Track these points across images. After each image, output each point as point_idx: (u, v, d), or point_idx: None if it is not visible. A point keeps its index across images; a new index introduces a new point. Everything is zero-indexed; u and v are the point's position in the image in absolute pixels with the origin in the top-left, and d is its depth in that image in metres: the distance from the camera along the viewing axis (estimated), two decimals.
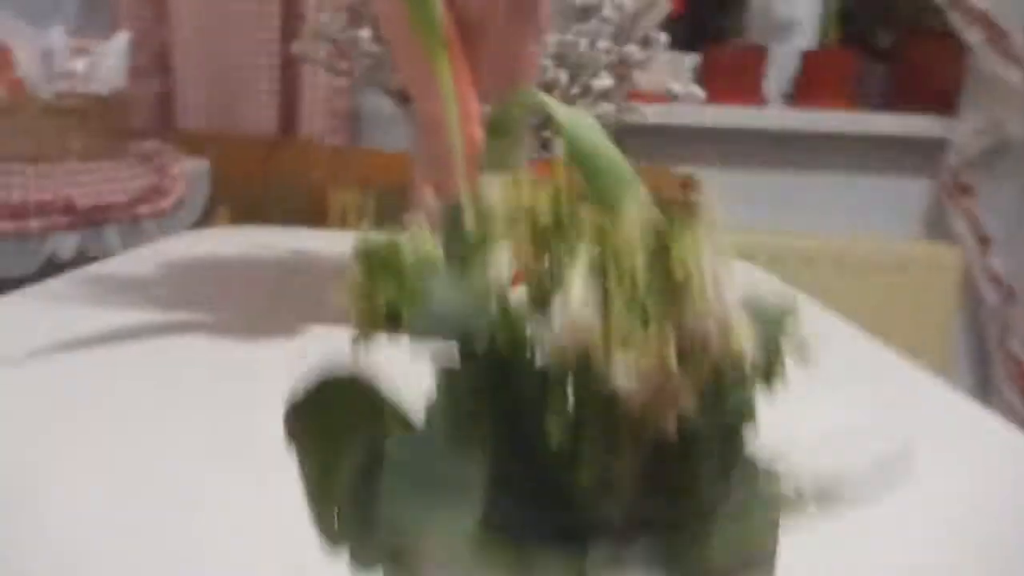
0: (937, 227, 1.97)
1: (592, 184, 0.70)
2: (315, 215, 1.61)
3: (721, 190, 1.89)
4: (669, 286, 0.17)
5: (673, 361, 0.17)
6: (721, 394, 0.19)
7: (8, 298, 0.71)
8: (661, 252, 0.17)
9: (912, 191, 1.98)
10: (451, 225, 0.71)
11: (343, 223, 1.60)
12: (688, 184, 1.60)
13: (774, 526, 0.19)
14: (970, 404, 0.58)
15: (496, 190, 0.18)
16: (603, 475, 0.18)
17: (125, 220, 1.48)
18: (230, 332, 0.64)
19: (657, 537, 0.18)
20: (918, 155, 1.95)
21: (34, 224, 1.37)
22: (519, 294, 0.18)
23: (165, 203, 1.52)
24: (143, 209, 1.49)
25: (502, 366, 0.18)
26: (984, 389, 1.99)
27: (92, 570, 0.33)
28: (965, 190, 1.88)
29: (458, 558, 0.16)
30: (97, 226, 1.44)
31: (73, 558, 0.34)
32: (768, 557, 0.20)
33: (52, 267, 1.40)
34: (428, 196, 0.65)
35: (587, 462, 0.18)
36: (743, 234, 1.86)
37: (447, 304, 0.18)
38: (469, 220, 0.62)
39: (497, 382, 0.18)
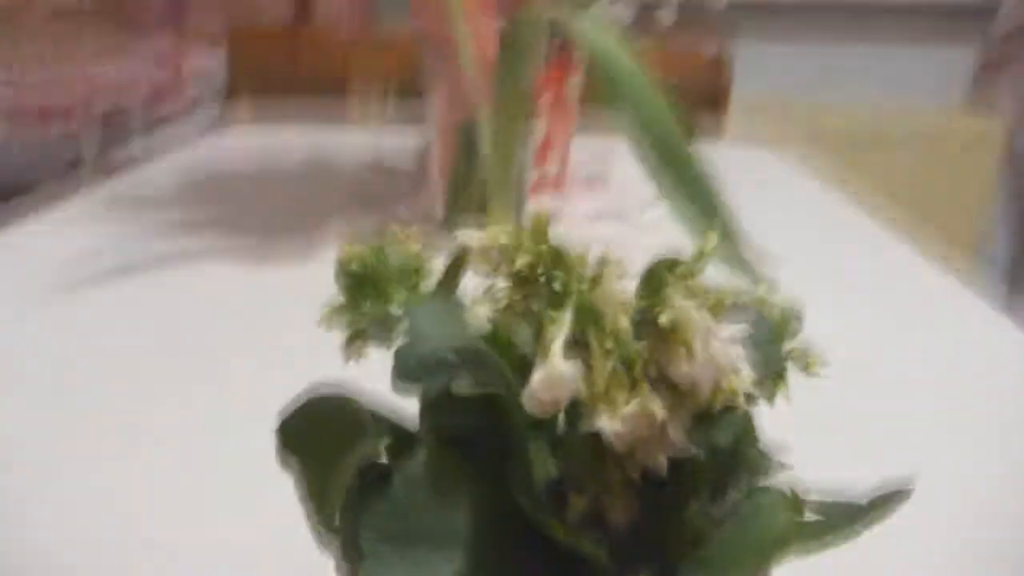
0: (980, 98, 1.89)
1: (610, 92, 0.67)
2: (336, 106, 1.58)
3: (756, 65, 1.82)
4: (657, 337, 0.16)
5: (659, 412, 0.16)
6: (714, 425, 0.18)
7: (30, 224, 0.72)
8: (649, 303, 0.16)
9: (955, 61, 1.89)
10: (465, 142, 0.69)
11: (365, 114, 1.57)
12: (720, 64, 1.53)
13: (773, 545, 0.18)
14: (995, 316, 0.57)
15: (476, 233, 0.17)
16: (592, 508, 0.18)
17: (145, 119, 1.46)
18: (253, 254, 0.64)
19: (651, 568, 0.18)
20: (963, 23, 1.85)
21: (55, 129, 1.36)
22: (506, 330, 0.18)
23: (183, 99, 1.50)
24: (161, 107, 1.47)
25: (488, 407, 0.18)
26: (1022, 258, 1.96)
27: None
28: (1010, 59, 1.79)
29: None
30: (117, 127, 1.43)
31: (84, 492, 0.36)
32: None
33: (77, 172, 1.40)
34: (441, 112, 0.64)
35: (575, 495, 0.18)
36: (779, 110, 1.80)
37: (432, 348, 0.17)
38: (483, 145, 0.59)
39: (482, 424, 0.18)
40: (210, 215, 0.75)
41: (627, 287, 0.16)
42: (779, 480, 0.20)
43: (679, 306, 0.16)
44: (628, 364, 0.16)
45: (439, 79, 0.62)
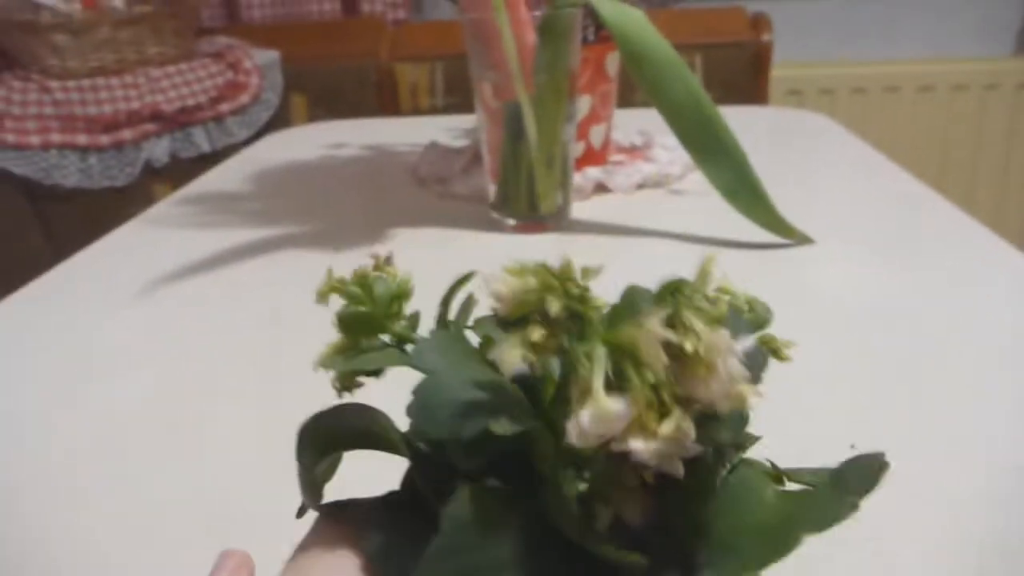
0: None
1: (639, 73, 0.70)
2: (386, 92, 1.62)
3: (796, 21, 1.79)
4: (680, 362, 0.18)
5: (692, 433, 0.18)
6: (720, 424, 0.20)
7: (117, 231, 0.77)
8: (674, 334, 0.18)
9: (999, 6, 1.82)
10: (511, 126, 0.73)
11: (414, 98, 1.61)
12: (760, 23, 1.52)
13: (773, 527, 0.20)
14: None
15: (507, 279, 0.19)
16: (617, 515, 0.20)
17: (209, 119, 1.52)
18: (329, 238, 0.69)
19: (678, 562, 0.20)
20: None
21: (127, 134, 1.43)
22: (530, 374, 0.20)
23: (244, 98, 1.55)
24: (224, 107, 1.53)
25: (517, 440, 0.19)
26: None
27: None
28: None
29: None
30: (184, 128, 1.49)
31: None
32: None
33: (150, 172, 1.48)
34: (487, 97, 0.67)
35: (600, 506, 0.20)
36: (823, 67, 1.76)
37: (455, 388, 0.19)
38: (528, 126, 0.63)
39: (512, 455, 0.19)
40: (282, 206, 0.80)
41: (657, 324, 0.17)
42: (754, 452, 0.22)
43: (700, 330, 0.17)
44: (658, 390, 0.18)
45: (484, 65, 0.66)
